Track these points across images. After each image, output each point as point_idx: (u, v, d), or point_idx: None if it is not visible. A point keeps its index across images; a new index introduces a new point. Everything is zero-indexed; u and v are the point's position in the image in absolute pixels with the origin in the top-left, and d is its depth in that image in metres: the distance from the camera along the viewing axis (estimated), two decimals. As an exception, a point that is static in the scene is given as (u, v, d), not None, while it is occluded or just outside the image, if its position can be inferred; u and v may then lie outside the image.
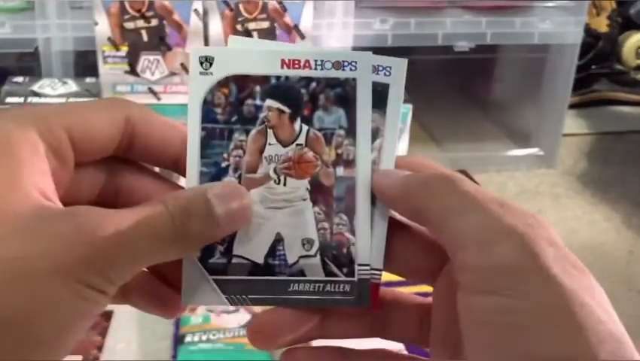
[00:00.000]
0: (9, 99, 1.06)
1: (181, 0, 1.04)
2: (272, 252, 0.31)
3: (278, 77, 0.31)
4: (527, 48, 1.32)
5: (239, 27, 1.06)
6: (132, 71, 1.05)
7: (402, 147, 1.11)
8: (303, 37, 1.07)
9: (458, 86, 1.54)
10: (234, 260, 0.31)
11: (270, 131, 0.31)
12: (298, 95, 0.31)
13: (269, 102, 0.31)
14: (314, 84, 0.31)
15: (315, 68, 0.31)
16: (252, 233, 0.31)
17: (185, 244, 0.28)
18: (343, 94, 0.31)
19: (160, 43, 1.05)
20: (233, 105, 0.31)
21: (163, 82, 1.06)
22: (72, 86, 1.10)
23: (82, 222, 0.26)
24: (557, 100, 1.33)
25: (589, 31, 1.54)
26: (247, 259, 0.31)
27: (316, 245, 0.31)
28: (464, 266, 0.27)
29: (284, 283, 0.31)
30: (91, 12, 1.04)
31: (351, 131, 0.31)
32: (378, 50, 0.32)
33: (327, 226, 0.31)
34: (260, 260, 0.31)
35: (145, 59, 1.05)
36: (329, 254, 0.31)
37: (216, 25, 1.05)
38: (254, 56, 0.31)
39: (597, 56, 1.63)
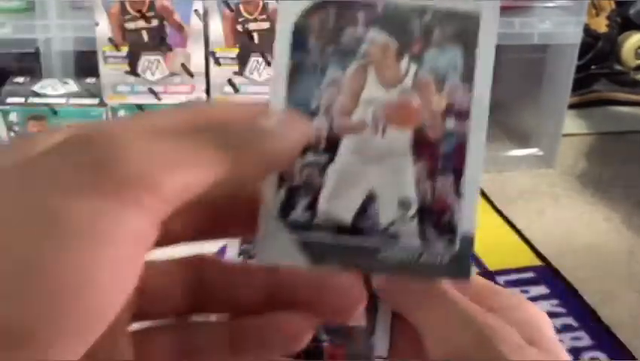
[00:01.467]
0: (10, 99, 1.06)
1: (181, 0, 1.04)
2: (363, 212, 0.27)
3: (386, 5, 0.26)
4: (527, 48, 1.32)
5: (239, 27, 1.06)
6: (133, 71, 1.05)
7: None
8: (303, 37, 1.07)
9: (457, 86, 1.54)
10: (318, 218, 0.27)
11: (372, 69, 0.27)
12: (408, 28, 0.26)
13: (373, 34, 0.26)
14: (429, 16, 0.26)
15: None
16: (341, 188, 0.27)
17: (234, 159, 0.22)
18: (463, 30, 0.27)
19: (160, 43, 1.05)
20: (329, 34, 0.26)
21: (163, 82, 1.06)
22: (73, 86, 1.10)
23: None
24: (557, 100, 1.33)
25: (588, 31, 1.54)
26: (333, 218, 0.27)
27: (414, 208, 0.27)
28: (429, 355, 0.28)
29: (375, 248, 0.27)
30: (92, 12, 1.04)
31: (467, 77, 0.27)
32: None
33: (428, 186, 0.27)
34: (348, 220, 0.27)
35: (146, 60, 1.05)
36: (428, 219, 0.27)
37: (216, 26, 1.05)
38: None
39: (596, 56, 1.63)
